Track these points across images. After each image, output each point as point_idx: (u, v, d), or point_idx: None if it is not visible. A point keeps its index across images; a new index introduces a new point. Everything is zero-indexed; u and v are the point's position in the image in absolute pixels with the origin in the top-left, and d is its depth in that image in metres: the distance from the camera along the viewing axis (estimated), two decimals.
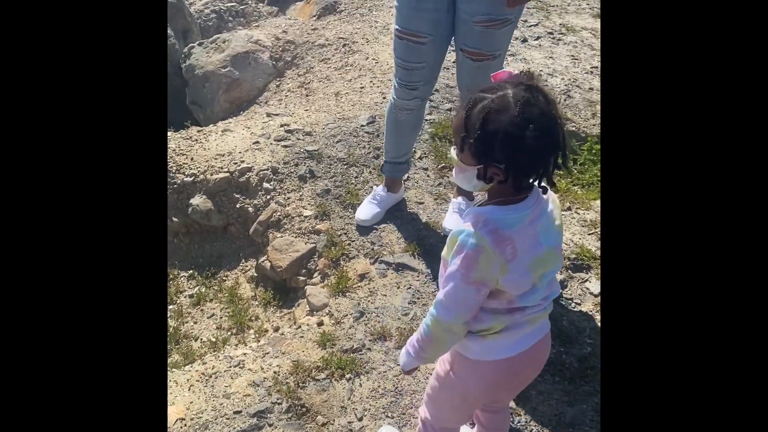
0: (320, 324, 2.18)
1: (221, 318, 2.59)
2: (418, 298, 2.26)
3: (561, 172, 3.35)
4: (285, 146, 3.00)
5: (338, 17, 4.89)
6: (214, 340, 2.45)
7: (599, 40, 4.89)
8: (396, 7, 2.13)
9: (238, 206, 2.86)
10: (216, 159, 2.97)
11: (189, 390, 1.88)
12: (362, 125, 3.18)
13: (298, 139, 3.07)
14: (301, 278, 2.56)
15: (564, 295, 2.29)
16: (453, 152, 1.24)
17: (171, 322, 2.56)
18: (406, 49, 2.15)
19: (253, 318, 2.57)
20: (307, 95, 4.02)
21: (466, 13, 2.00)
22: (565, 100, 3.83)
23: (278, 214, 2.73)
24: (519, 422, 1.82)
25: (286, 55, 4.53)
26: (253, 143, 3.02)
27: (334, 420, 1.80)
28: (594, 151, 3.52)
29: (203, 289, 2.73)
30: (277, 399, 1.84)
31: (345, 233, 2.59)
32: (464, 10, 2.01)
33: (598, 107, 3.81)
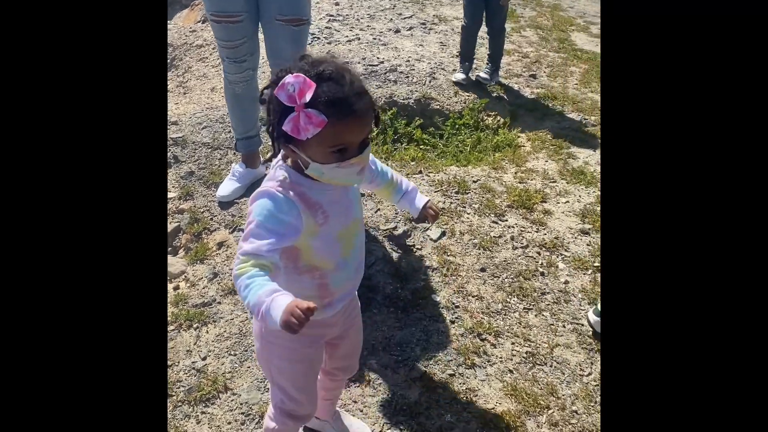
0: (176, 288, 2.32)
1: None
2: None
3: (428, 147, 3.61)
4: None
5: None
6: None
7: None
8: None
9: None
10: None
11: None
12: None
13: None
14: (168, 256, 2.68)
15: (407, 242, 2.53)
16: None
17: None
18: (226, 31, 2.34)
19: None
20: (185, 93, 4.14)
21: None
22: (429, 82, 4.12)
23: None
24: None
25: None
26: None
27: (179, 362, 1.95)
28: (457, 126, 3.81)
29: None
30: None
31: (208, 210, 2.74)
32: None
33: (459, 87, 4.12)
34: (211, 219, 2.68)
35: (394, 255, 2.45)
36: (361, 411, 1.83)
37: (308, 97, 1.08)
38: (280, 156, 1.24)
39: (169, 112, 3.45)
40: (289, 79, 1.09)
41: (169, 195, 2.81)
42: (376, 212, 2.67)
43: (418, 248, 2.51)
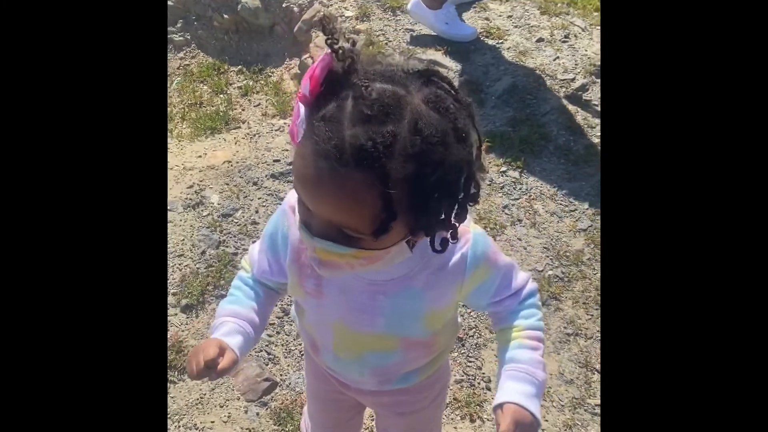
0: None
1: (266, 107, 2.84)
2: None
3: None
4: None
5: None
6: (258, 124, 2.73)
7: None
8: None
9: (284, 5, 3.00)
10: None
11: (235, 144, 2.17)
12: None
13: None
14: None
15: (584, 97, 2.43)
16: None
17: (222, 108, 2.82)
18: None
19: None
20: None
21: None
22: None
23: (321, 14, 2.87)
24: (519, 188, 2.05)
25: None
26: None
27: None
28: None
29: (251, 83, 2.97)
30: None
31: (383, 34, 2.73)
32: None
33: None
34: (386, 44, 2.68)
35: (570, 107, 2.37)
36: (525, 249, 1.90)
37: (309, 86, 0.67)
38: None
39: None
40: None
41: (347, 13, 2.82)
42: (554, 60, 2.55)
43: (595, 104, 2.41)
